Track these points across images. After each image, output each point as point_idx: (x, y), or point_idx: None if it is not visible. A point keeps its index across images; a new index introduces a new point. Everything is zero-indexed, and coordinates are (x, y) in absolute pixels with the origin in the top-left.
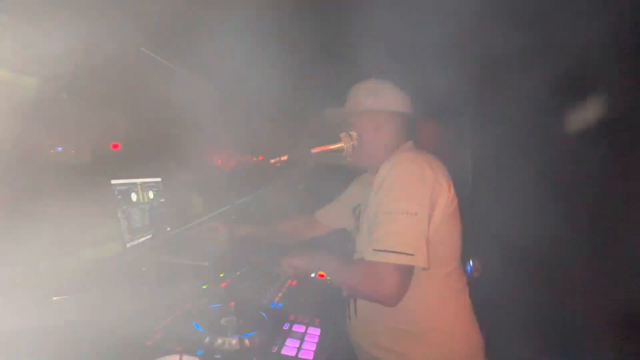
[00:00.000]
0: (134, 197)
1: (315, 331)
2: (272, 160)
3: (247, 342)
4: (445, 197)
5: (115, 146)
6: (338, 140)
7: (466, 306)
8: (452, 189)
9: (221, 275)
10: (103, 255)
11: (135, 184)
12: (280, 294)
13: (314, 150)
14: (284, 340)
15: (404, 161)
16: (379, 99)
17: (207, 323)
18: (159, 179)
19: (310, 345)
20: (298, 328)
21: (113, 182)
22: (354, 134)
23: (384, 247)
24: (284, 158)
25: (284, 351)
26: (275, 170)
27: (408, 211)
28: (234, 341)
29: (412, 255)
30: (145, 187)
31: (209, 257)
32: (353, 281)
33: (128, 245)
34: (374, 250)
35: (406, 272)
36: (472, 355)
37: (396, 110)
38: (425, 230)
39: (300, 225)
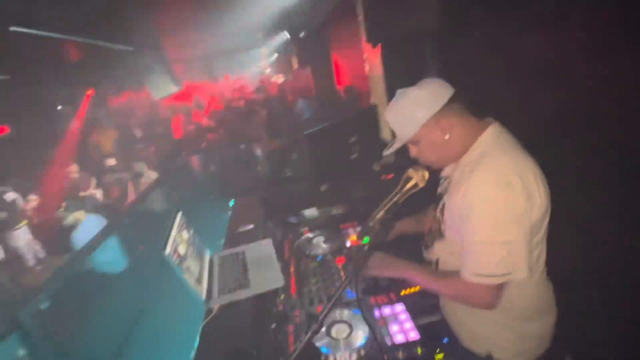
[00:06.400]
0: (182, 250)
1: (400, 307)
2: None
3: (362, 352)
4: (537, 207)
5: None
6: (407, 179)
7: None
8: (545, 189)
9: None
10: None
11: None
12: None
13: (379, 216)
14: (388, 329)
15: (491, 185)
16: (425, 105)
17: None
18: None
19: (409, 324)
20: (387, 312)
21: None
22: (419, 166)
23: (484, 273)
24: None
25: (396, 341)
26: None
27: (504, 241)
28: (354, 357)
29: (510, 274)
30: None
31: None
32: (450, 294)
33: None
34: (475, 274)
35: (504, 286)
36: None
37: (446, 101)
38: (523, 249)
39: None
